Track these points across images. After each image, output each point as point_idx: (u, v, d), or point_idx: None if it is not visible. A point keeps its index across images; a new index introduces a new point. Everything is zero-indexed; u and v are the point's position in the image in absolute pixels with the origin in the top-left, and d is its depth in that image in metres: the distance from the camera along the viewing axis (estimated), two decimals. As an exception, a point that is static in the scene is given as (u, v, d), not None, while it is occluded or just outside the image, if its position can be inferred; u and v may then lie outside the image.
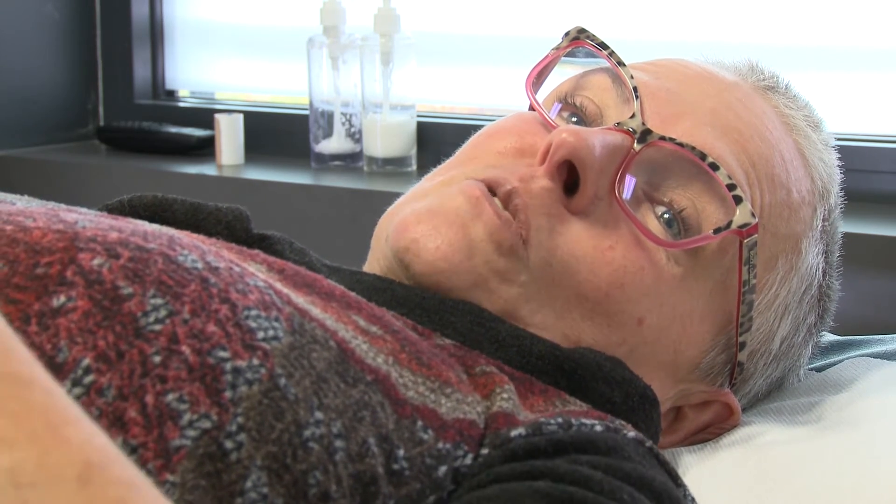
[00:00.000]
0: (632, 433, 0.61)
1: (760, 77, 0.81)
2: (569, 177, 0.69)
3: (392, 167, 1.62)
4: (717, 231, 0.70)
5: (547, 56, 0.79)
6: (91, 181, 1.76)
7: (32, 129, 1.90)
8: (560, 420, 0.59)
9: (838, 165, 0.83)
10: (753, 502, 0.69)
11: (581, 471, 0.53)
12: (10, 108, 1.86)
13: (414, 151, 1.64)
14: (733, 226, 0.70)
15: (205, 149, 1.78)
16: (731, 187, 0.70)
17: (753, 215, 0.70)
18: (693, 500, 0.62)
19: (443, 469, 0.54)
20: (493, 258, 0.67)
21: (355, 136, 1.67)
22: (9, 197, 0.61)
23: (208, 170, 1.70)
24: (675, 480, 0.61)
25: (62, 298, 0.48)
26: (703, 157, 0.70)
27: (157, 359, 0.47)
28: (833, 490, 0.68)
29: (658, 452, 0.61)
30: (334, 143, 1.68)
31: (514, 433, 0.57)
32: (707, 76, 0.78)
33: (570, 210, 0.69)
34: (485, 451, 0.56)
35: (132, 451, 0.45)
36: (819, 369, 0.87)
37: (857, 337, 0.95)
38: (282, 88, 1.89)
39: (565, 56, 0.79)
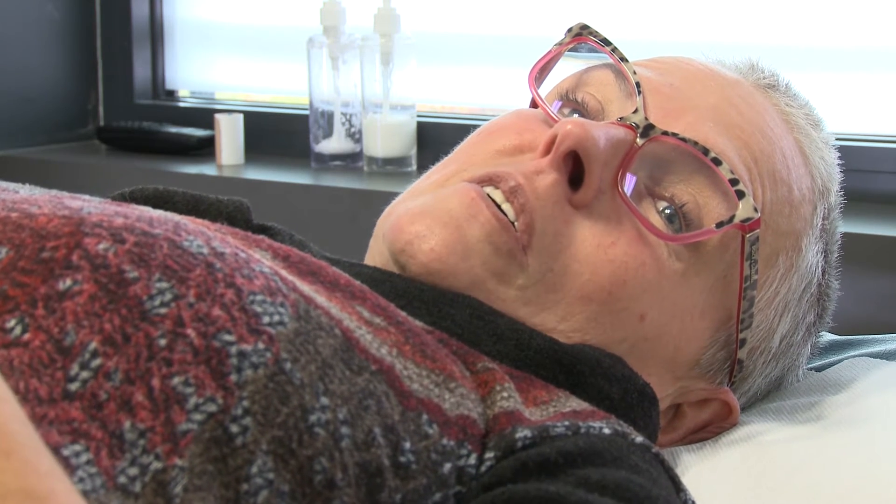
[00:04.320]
0: (639, 438, 0.61)
1: (761, 76, 0.81)
2: (572, 170, 0.69)
3: (392, 167, 1.62)
4: (719, 225, 0.70)
5: (550, 51, 0.79)
6: (91, 181, 1.75)
7: (32, 129, 1.90)
8: (567, 423, 0.59)
9: (838, 165, 0.83)
10: (753, 502, 0.69)
11: (592, 502, 0.53)
12: (10, 108, 1.86)
13: (414, 151, 1.64)
14: (736, 220, 0.70)
15: (205, 149, 1.78)
16: (734, 182, 0.70)
17: (756, 210, 0.70)
18: (693, 504, 0.62)
19: (447, 466, 0.54)
20: (490, 259, 0.67)
21: (355, 136, 1.67)
22: (11, 186, 0.62)
23: (208, 170, 1.70)
24: (677, 487, 0.61)
25: (68, 282, 0.48)
26: (705, 151, 0.70)
27: (163, 342, 0.47)
28: (833, 489, 0.67)
29: (663, 458, 0.61)
30: (334, 143, 1.68)
31: (519, 434, 0.57)
32: (709, 73, 0.78)
33: (574, 204, 0.69)
34: (490, 454, 0.56)
35: (141, 435, 0.45)
36: (819, 369, 0.87)
37: (857, 337, 0.95)
38: (282, 88, 1.89)
39: (568, 52, 0.79)
